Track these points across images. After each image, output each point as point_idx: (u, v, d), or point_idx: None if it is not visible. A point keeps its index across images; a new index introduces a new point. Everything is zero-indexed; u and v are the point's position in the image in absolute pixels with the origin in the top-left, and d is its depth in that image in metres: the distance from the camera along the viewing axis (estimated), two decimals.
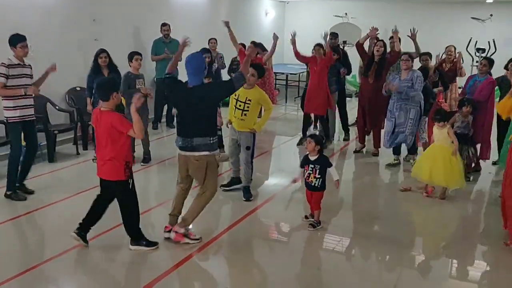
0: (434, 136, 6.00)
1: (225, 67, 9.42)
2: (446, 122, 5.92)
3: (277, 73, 12.85)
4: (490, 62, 6.87)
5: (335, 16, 14.62)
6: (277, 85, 13.00)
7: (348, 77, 9.95)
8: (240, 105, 5.66)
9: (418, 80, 6.84)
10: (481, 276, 4.43)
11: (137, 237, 4.51)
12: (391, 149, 7.33)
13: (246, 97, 5.64)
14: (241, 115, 5.68)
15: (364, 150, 8.13)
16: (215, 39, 9.74)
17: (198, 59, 4.51)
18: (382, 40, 7.83)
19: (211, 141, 4.44)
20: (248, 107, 5.65)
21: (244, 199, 5.84)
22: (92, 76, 6.88)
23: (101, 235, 4.72)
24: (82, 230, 4.48)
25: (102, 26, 8.59)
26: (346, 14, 14.72)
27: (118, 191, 4.38)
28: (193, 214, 4.64)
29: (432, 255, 4.80)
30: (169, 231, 4.67)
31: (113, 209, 4.53)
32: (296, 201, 5.89)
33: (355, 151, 8.11)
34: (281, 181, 6.75)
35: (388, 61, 7.73)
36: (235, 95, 5.66)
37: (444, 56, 8.70)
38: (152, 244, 4.54)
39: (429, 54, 7.95)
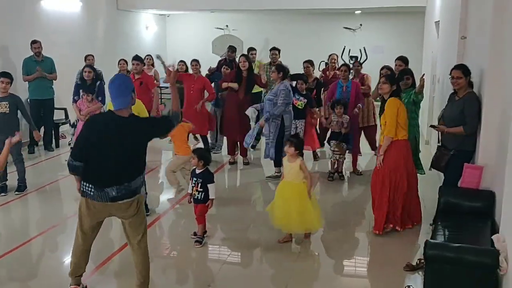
0: (285, 169, 5.03)
1: (104, 83, 9.09)
2: (299, 152, 4.89)
3: (162, 87, 12.63)
4: (348, 67, 7.46)
5: (216, 28, 14.79)
6: (162, 100, 12.79)
7: None
8: None
9: (281, 94, 6.75)
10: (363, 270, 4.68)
11: None
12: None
13: None
14: None
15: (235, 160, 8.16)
16: (92, 56, 9.32)
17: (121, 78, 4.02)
18: (245, 55, 7.95)
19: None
20: None
21: None
22: None
23: None
24: None
25: None
26: (227, 26, 14.96)
27: None
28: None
29: (319, 255, 4.98)
30: None
31: None
32: (189, 216, 5.77)
33: (231, 163, 8.06)
34: (172, 196, 6.59)
35: (256, 79, 7.85)
36: None
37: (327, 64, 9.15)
38: None
39: (310, 62, 8.30)
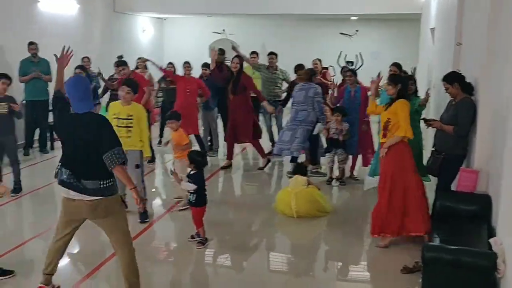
0: (292, 183, 5.99)
1: (99, 86, 9.10)
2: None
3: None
4: (354, 73, 7.43)
5: (214, 32, 14.80)
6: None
7: None
8: (122, 123, 5.44)
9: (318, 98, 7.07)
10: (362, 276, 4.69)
11: None
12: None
13: (127, 114, 5.48)
14: (127, 132, 5.43)
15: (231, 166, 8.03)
16: (88, 58, 9.32)
17: (83, 81, 3.84)
18: (238, 56, 7.90)
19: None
20: (131, 122, 5.47)
21: (140, 221, 5.57)
22: None
23: None
24: None
25: None
26: (224, 30, 14.97)
27: None
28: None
29: (315, 260, 4.98)
30: None
31: None
32: (185, 219, 5.75)
33: (223, 168, 7.92)
34: (171, 198, 6.55)
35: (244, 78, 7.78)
36: (114, 114, 5.47)
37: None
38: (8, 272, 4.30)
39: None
